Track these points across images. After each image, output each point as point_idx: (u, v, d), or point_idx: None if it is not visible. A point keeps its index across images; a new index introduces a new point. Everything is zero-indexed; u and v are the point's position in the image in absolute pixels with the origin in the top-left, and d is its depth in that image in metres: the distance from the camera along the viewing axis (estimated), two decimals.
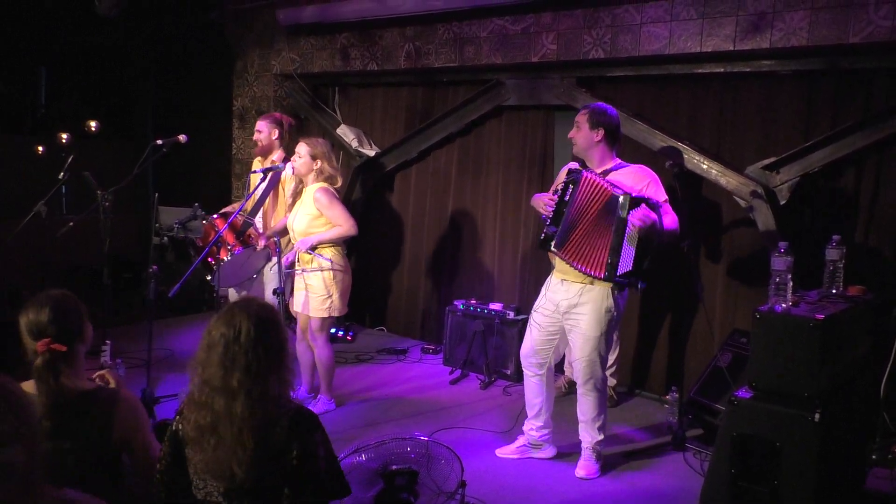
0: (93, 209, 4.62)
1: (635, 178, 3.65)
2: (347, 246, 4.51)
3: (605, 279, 3.55)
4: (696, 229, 4.63)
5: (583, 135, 3.70)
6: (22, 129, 7.18)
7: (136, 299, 6.82)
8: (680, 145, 4.74)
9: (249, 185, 4.76)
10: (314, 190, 4.31)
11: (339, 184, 4.47)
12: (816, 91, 4.47)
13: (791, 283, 3.04)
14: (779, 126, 4.59)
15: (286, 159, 4.70)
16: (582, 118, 3.71)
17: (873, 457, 3.66)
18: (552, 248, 3.62)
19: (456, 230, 6.18)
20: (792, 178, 4.43)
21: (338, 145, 6.66)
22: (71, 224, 4.87)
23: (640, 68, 4.95)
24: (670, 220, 3.58)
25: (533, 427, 3.97)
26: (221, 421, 2.03)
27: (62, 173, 4.98)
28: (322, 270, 4.27)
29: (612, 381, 4.87)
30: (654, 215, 3.45)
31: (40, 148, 6.70)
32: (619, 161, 3.79)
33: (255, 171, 4.61)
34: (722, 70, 4.65)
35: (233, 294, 5.12)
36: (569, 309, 3.71)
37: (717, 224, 4.86)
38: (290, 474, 2.05)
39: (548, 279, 3.89)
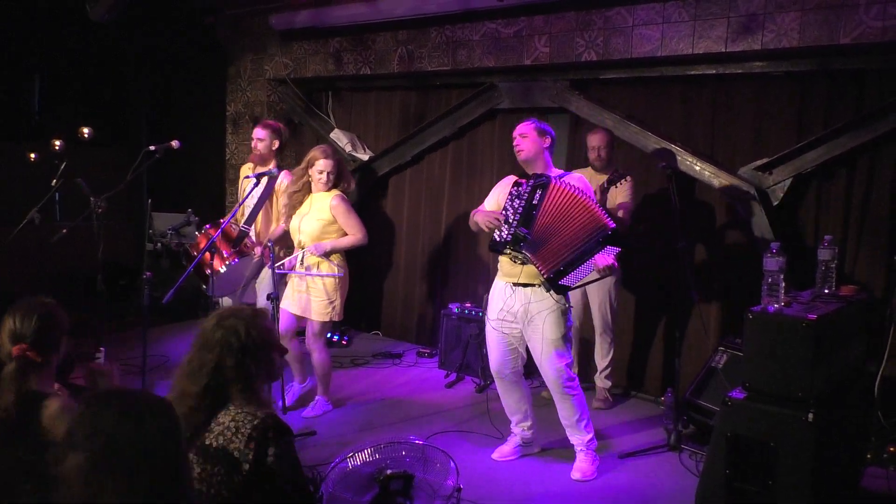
0: (86, 216, 4.61)
1: (580, 186, 3.67)
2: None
3: (547, 279, 3.53)
4: (690, 231, 4.64)
5: (531, 142, 3.76)
6: (15, 136, 7.16)
7: (131, 306, 6.80)
8: (673, 147, 4.76)
9: (242, 190, 4.75)
10: (331, 197, 4.34)
11: (353, 188, 4.49)
12: (808, 92, 4.48)
13: (783, 284, 3.05)
14: (771, 127, 4.61)
15: (279, 168, 4.73)
16: (528, 128, 3.78)
17: (868, 456, 3.67)
18: (522, 251, 3.56)
19: (450, 234, 6.18)
20: (784, 178, 4.45)
21: None
22: (64, 231, 4.85)
23: (633, 70, 4.97)
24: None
25: (524, 427, 4.00)
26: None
27: (55, 180, 4.97)
28: (325, 278, 4.31)
29: (607, 384, 4.88)
30: (615, 262, 3.49)
31: (33, 155, 6.69)
32: (560, 170, 3.85)
33: (248, 177, 4.60)
34: (714, 71, 4.66)
35: (227, 302, 5.11)
36: (527, 314, 3.69)
37: (711, 225, 4.87)
38: (243, 485, 1.98)
39: (495, 286, 3.85)
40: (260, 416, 2.05)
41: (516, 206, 3.64)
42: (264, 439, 2.00)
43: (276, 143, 4.85)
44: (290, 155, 7.05)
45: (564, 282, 3.53)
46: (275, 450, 2.01)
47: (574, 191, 3.56)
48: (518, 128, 3.82)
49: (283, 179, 4.61)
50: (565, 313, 3.70)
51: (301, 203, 4.45)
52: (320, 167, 4.34)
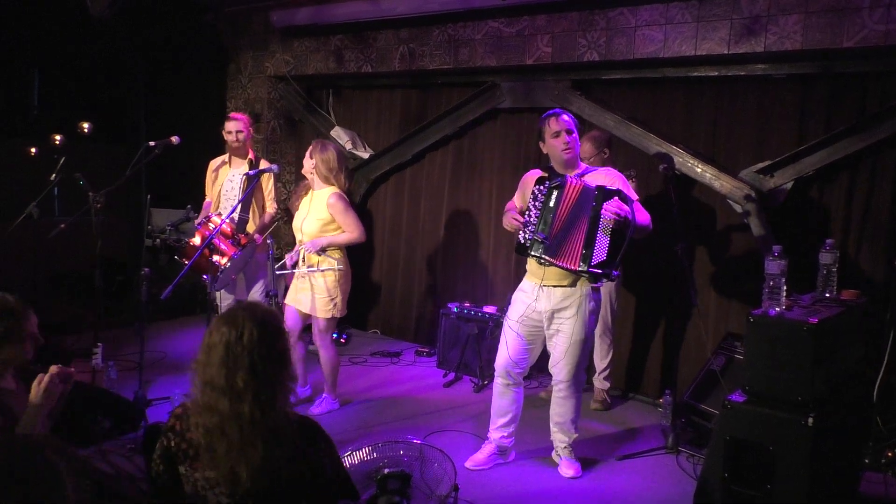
0: (84, 211, 4.60)
1: (606, 179, 3.61)
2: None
3: (580, 271, 3.47)
4: (690, 233, 4.63)
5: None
6: (15, 131, 7.15)
7: (128, 302, 6.78)
8: (674, 149, 4.74)
9: (242, 186, 4.74)
10: (327, 195, 4.32)
11: (346, 187, 4.49)
12: (810, 94, 4.47)
13: (785, 287, 3.04)
14: (773, 129, 4.60)
15: (258, 158, 4.82)
16: (574, 122, 3.67)
17: (866, 461, 3.66)
18: (542, 255, 3.51)
19: (450, 233, 6.17)
20: (786, 181, 4.44)
21: None
22: (62, 226, 4.84)
23: (635, 71, 4.96)
24: (642, 216, 3.55)
25: (504, 433, 3.93)
26: (228, 423, 1.98)
27: (54, 174, 4.95)
28: (325, 272, 4.31)
29: (606, 385, 4.87)
30: (627, 208, 3.43)
31: (33, 150, 6.67)
32: (586, 166, 3.79)
33: (248, 174, 4.60)
34: (716, 73, 4.65)
35: (225, 296, 5.10)
36: (553, 315, 3.68)
37: (711, 228, 4.86)
38: (299, 484, 2.03)
39: (523, 286, 3.80)
40: (296, 417, 2.14)
41: (537, 207, 3.57)
42: (310, 438, 2.12)
43: (252, 132, 4.99)
44: (289, 152, 7.05)
45: (596, 261, 3.44)
46: (320, 446, 2.15)
47: (581, 183, 3.51)
48: (564, 121, 3.61)
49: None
50: (592, 313, 3.67)
51: (302, 198, 4.49)
52: (306, 165, 4.41)
